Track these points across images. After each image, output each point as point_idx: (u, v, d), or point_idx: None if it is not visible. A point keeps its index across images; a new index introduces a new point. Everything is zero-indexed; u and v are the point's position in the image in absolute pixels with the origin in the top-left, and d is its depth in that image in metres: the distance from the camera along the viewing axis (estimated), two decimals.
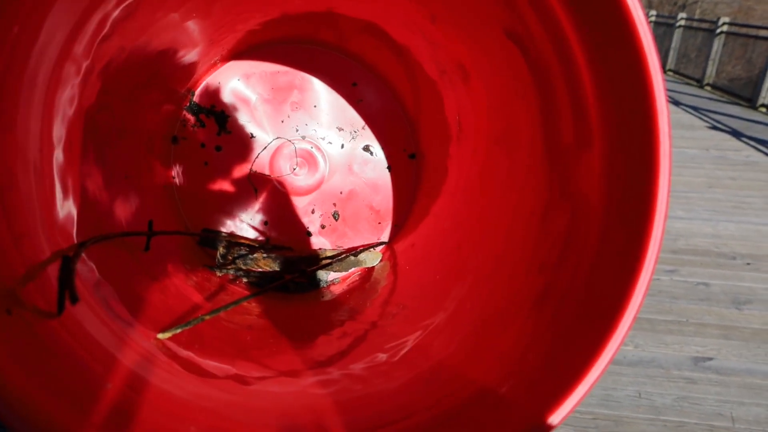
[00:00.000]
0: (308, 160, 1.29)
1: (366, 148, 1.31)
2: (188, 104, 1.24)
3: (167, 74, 1.10)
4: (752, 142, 5.11)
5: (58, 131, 0.77)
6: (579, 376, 0.56)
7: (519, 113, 0.83)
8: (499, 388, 0.67)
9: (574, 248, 0.67)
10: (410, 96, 1.29)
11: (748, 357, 2.08)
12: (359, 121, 1.30)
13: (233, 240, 1.22)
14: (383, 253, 1.30)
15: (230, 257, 1.18)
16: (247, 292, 1.15)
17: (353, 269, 1.27)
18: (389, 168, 1.32)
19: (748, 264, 2.80)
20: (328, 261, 1.21)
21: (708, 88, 8.12)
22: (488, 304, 0.84)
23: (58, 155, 0.77)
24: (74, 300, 0.55)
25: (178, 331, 0.77)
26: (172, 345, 0.79)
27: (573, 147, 0.69)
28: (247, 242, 1.24)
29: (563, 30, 0.65)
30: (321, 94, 1.28)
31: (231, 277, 1.18)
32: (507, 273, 0.82)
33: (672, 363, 2.05)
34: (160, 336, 0.75)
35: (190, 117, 1.25)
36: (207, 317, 0.82)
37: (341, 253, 1.23)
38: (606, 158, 0.64)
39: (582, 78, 0.65)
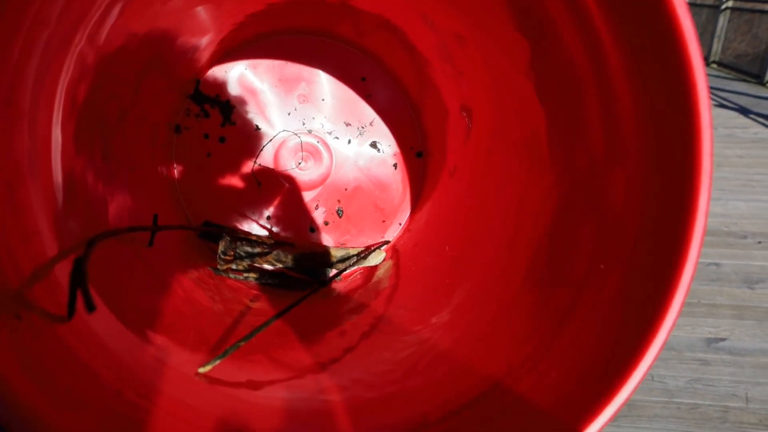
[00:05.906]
0: (314, 154, 1.26)
1: (373, 145, 1.29)
2: (193, 93, 1.20)
3: (174, 61, 1.07)
4: (760, 119, 4.93)
5: (66, 122, 0.74)
6: (605, 400, 0.55)
7: (542, 120, 0.81)
8: (517, 401, 0.66)
9: (601, 264, 0.66)
10: (419, 92, 1.26)
11: (762, 337, 2.04)
12: (367, 117, 1.27)
13: (235, 234, 1.20)
14: (386, 252, 1.28)
15: (231, 252, 1.16)
16: (250, 289, 1.13)
17: (356, 267, 1.25)
18: (396, 166, 1.30)
19: (760, 243, 2.72)
20: (341, 265, 1.18)
21: (714, 65, 7.77)
22: (498, 314, 0.82)
23: (66, 147, 0.74)
24: (90, 308, 0.52)
25: (217, 362, 0.75)
26: (181, 349, 0.77)
27: (603, 160, 0.68)
28: (249, 237, 1.21)
29: (599, 36, 0.63)
30: (329, 87, 1.25)
31: (232, 272, 1.16)
32: (525, 285, 0.81)
33: (684, 345, 2.01)
34: (201, 370, 0.73)
35: (194, 106, 1.21)
36: (241, 343, 0.79)
37: (350, 256, 1.21)
38: (640, 174, 0.62)
39: (617, 88, 0.63)
